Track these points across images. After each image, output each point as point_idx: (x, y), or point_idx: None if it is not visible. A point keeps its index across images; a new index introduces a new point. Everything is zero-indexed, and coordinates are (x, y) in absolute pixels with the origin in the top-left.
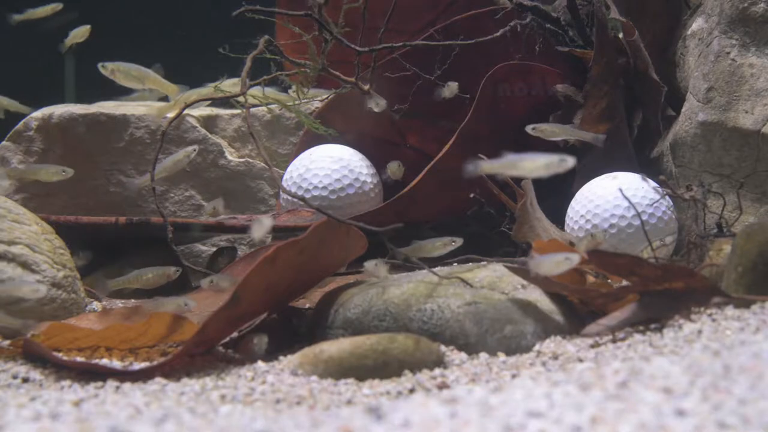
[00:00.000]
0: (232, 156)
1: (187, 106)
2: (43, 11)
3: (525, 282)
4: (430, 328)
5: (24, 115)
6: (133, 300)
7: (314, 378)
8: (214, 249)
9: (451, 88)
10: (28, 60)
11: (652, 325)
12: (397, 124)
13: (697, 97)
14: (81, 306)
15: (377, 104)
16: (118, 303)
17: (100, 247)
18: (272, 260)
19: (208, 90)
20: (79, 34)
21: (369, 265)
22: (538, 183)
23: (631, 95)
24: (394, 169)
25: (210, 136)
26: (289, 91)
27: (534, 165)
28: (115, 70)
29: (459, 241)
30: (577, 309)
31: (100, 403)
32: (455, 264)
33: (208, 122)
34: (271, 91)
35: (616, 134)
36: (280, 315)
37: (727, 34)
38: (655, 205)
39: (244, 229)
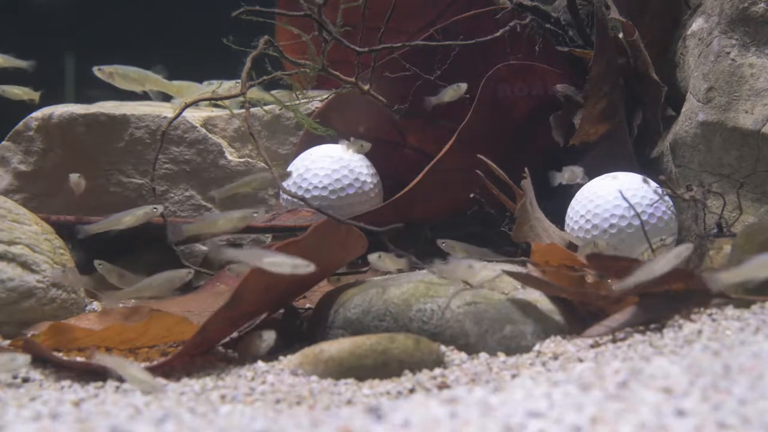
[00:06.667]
0: (232, 156)
1: (187, 106)
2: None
3: None
4: (430, 328)
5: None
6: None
7: (314, 378)
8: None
9: (450, 93)
10: (28, 60)
11: (652, 325)
12: (397, 124)
13: (697, 97)
14: (81, 306)
15: (361, 146)
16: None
17: (100, 247)
18: None
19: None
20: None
21: (373, 257)
22: (539, 183)
23: (631, 95)
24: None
25: (210, 136)
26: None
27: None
28: (113, 73)
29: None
30: (577, 309)
31: (100, 403)
32: None
33: (208, 122)
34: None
35: (616, 134)
36: (281, 315)
37: (727, 34)
38: (655, 205)
39: (242, 230)
